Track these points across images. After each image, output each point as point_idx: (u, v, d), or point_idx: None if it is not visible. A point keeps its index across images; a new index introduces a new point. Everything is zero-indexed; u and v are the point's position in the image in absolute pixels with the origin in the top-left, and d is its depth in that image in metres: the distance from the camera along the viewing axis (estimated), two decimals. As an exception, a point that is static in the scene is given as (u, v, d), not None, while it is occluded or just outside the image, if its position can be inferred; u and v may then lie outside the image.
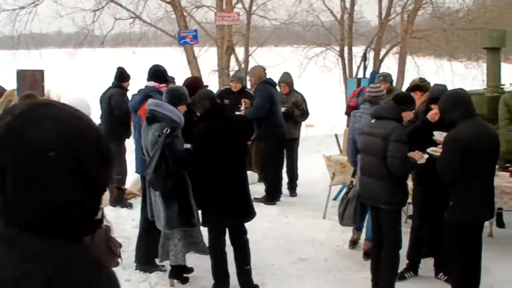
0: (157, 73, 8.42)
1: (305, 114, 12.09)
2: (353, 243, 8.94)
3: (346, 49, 23.74)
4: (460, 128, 6.43)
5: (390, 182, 6.88)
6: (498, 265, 8.14)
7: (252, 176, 11.58)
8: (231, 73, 19.55)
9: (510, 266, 7.09)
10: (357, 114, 8.43)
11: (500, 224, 9.75)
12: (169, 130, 6.81)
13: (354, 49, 24.01)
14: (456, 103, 6.55)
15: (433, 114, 7.31)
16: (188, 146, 7.16)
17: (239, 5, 22.67)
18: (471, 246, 6.61)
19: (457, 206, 6.52)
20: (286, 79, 12.07)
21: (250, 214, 7.30)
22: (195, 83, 8.38)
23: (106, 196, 9.96)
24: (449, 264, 7.06)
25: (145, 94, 8.03)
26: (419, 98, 9.14)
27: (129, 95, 9.50)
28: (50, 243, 1.70)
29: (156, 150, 6.89)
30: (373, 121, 7.28)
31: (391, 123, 6.92)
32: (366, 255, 8.33)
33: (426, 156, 7.11)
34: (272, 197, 11.27)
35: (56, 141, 1.69)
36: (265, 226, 9.67)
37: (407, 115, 7.19)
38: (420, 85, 9.71)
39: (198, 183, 7.20)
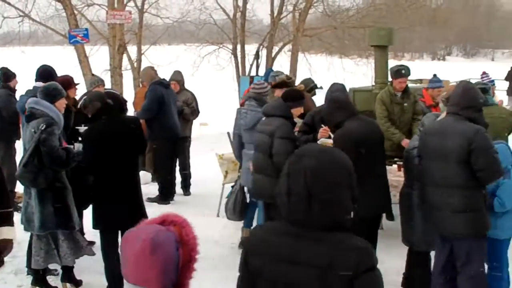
0: (45, 73, 8.26)
1: (195, 112, 12.08)
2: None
3: (239, 47, 23.85)
4: (348, 126, 6.57)
5: (277, 178, 6.97)
6: (389, 256, 8.40)
7: (145, 176, 11.51)
8: (124, 72, 19.37)
9: (399, 257, 7.29)
10: (242, 110, 8.55)
11: (390, 216, 9.99)
12: (44, 125, 6.70)
13: (247, 47, 24.13)
14: (337, 106, 6.71)
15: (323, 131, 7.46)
16: (78, 146, 7.07)
17: (131, 3, 22.41)
18: (367, 240, 6.76)
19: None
20: (176, 77, 12.02)
21: (142, 216, 7.23)
22: (64, 82, 8.18)
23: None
24: None
25: (32, 95, 7.84)
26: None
27: (18, 95, 9.31)
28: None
29: (30, 146, 6.76)
30: (263, 118, 7.39)
31: (278, 120, 7.03)
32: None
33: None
34: (165, 196, 11.25)
35: None
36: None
37: (297, 111, 7.31)
38: (286, 82, 9.96)
39: (89, 184, 7.12)
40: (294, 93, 7.57)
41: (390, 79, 10.20)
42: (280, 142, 6.88)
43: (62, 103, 7.16)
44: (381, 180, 6.82)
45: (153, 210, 10.24)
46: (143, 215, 7.22)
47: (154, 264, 2.85)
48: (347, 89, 11.50)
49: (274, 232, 2.98)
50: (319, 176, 2.86)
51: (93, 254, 7.31)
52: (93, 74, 11.08)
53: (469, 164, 5.79)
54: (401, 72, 9.49)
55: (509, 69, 25.32)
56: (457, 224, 5.89)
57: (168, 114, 10.98)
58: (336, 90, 7.78)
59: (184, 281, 3.00)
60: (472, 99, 6.01)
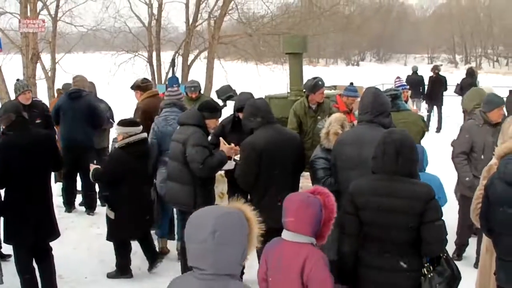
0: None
1: (109, 121, 11.93)
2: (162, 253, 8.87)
3: (154, 55, 23.76)
4: (256, 134, 6.58)
5: (192, 185, 7.02)
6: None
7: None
8: (38, 82, 18.98)
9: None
10: (170, 116, 8.48)
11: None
12: None
13: (162, 55, 24.07)
14: (254, 111, 6.73)
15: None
16: None
17: (45, 12, 22.05)
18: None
19: (258, 212, 6.67)
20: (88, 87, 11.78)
21: (54, 232, 7.15)
22: None
23: None
24: None
25: None
26: (139, 97, 10.02)
27: None
28: None
29: None
30: (178, 127, 7.42)
31: (191, 128, 7.04)
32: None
33: (233, 162, 7.28)
34: (69, 206, 11.09)
35: None
36: (76, 238, 9.48)
37: (211, 123, 7.31)
38: (141, 86, 10.19)
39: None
40: (210, 105, 7.57)
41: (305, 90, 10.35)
42: (195, 150, 6.89)
43: None
44: (284, 192, 6.71)
45: (70, 222, 10.21)
46: (54, 229, 7.14)
47: (308, 215, 4.40)
48: (263, 96, 11.66)
49: (372, 179, 4.87)
50: (403, 144, 4.71)
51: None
52: (18, 80, 10.74)
53: None
54: (319, 84, 9.64)
55: (410, 73, 25.94)
56: None
57: (64, 124, 10.80)
58: (245, 99, 7.77)
59: (324, 234, 4.59)
60: (383, 105, 6.07)
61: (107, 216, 8.04)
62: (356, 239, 4.78)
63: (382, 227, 4.63)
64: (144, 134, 7.99)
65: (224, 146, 7.24)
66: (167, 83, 15.23)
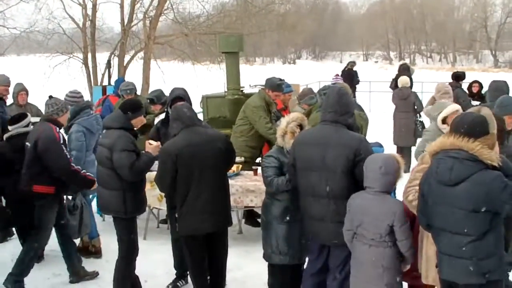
0: None
1: None
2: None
3: (90, 56, 23.43)
4: (174, 139, 6.59)
5: (121, 191, 6.91)
6: (248, 261, 8.52)
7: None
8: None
9: (258, 262, 7.38)
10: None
11: (254, 222, 10.02)
12: None
13: (98, 56, 23.76)
14: (174, 116, 6.73)
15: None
16: None
17: (-26, 15, 21.59)
18: (197, 257, 6.81)
19: (180, 219, 6.65)
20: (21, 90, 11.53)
21: None
22: None
23: None
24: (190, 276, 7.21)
25: None
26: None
27: None
28: None
29: None
30: (104, 131, 7.29)
31: (117, 132, 6.92)
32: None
33: None
34: None
35: None
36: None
37: (137, 121, 7.18)
38: None
39: None
40: (133, 104, 7.39)
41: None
42: (121, 155, 6.77)
43: None
44: (209, 196, 6.58)
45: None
46: None
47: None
48: (200, 96, 11.60)
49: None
50: None
51: None
52: None
53: (353, 174, 5.82)
54: (281, 87, 9.86)
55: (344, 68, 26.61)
56: (339, 233, 5.84)
57: None
58: (178, 94, 7.74)
59: None
60: (347, 105, 6.04)
61: None
62: None
63: None
64: (25, 129, 7.96)
65: (149, 146, 7.14)
66: (113, 84, 15.00)
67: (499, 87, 9.57)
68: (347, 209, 5.73)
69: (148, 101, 10.34)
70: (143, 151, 7.02)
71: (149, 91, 18.32)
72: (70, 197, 8.18)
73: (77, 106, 8.83)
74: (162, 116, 8.96)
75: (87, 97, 21.98)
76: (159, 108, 10.29)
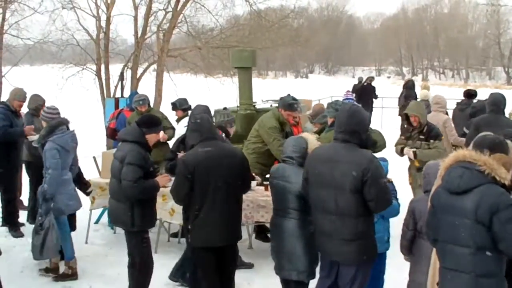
0: None
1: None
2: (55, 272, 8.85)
3: (103, 68, 23.49)
4: (192, 151, 6.65)
5: (129, 203, 6.97)
6: (258, 275, 8.53)
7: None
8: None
9: (268, 276, 7.38)
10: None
11: (264, 237, 10.03)
12: None
13: (111, 68, 23.78)
14: (194, 127, 6.82)
15: None
16: None
17: (-10, 25, 21.73)
18: (221, 270, 6.82)
19: (193, 230, 6.68)
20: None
21: None
22: None
23: None
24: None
25: None
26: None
27: None
28: None
29: None
30: (119, 144, 7.37)
31: (129, 145, 6.99)
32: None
33: None
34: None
35: None
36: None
37: (152, 138, 7.24)
38: None
39: None
40: (148, 119, 7.46)
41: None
42: (128, 168, 6.84)
43: None
44: (221, 210, 6.62)
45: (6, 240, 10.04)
46: None
47: None
48: (213, 110, 11.64)
49: None
50: None
51: None
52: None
53: (362, 193, 5.78)
54: (294, 106, 9.78)
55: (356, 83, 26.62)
56: (348, 252, 5.89)
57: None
58: (201, 112, 7.84)
59: None
60: (358, 123, 6.00)
61: None
62: None
63: None
64: None
65: (161, 177, 7.29)
66: (127, 97, 15.07)
67: (496, 100, 9.82)
68: (407, 212, 6.19)
69: (171, 106, 10.62)
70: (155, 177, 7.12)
71: (161, 104, 18.38)
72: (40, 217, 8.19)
73: (52, 123, 8.58)
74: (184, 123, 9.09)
75: (99, 109, 22.19)
76: (180, 114, 10.61)
